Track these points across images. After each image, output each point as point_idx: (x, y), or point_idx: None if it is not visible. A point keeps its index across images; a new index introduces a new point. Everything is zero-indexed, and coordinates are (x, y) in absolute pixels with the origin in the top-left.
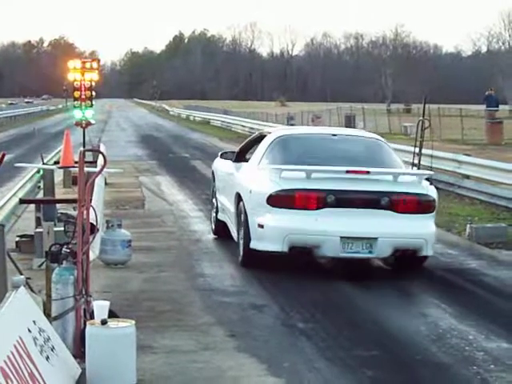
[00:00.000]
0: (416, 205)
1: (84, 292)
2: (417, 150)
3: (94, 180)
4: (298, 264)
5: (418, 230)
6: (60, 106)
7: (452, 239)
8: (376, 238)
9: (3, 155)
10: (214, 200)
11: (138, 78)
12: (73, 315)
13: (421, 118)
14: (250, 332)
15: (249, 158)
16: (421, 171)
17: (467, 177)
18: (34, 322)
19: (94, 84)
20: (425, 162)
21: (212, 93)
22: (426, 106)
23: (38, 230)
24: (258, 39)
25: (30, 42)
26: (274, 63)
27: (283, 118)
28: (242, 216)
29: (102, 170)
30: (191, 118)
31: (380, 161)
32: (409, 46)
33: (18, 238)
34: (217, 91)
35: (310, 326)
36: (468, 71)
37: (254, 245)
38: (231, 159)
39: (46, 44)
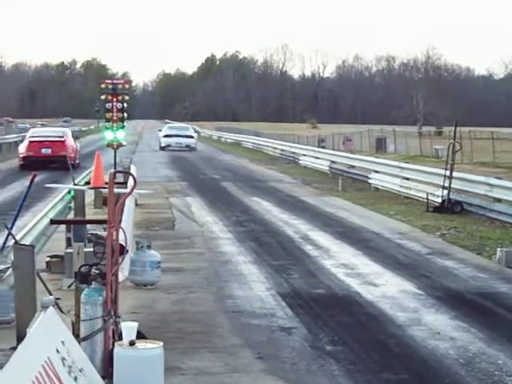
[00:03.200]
0: (189, 137)
1: (113, 313)
2: (448, 172)
3: (123, 201)
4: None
5: (191, 141)
6: (92, 127)
7: (482, 263)
8: (182, 143)
9: (34, 176)
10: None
11: (169, 99)
12: (101, 336)
13: (452, 140)
14: (278, 354)
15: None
16: (192, 134)
17: (499, 200)
18: (62, 342)
19: (125, 105)
20: (456, 184)
21: (243, 114)
22: (458, 128)
23: (68, 250)
24: (290, 61)
25: (63, 63)
26: (306, 85)
27: (314, 140)
28: (160, 140)
29: (131, 191)
30: (222, 139)
31: (188, 130)
32: (440, 69)
33: (48, 259)
34: (248, 113)
35: (339, 349)
36: (500, 94)
37: (161, 145)
38: (160, 131)
39: (78, 65)
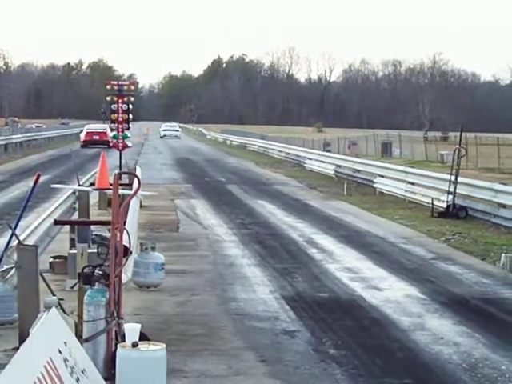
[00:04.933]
0: (176, 131)
1: (116, 314)
2: (453, 178)
3: (127, 202)
4: None
5: (177, 133)
6: None
7: (486, 268)
8: (172, 134)
9: (38, 176)
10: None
11: (175, 101)
12: (104, 337)
13: (457, 146)
14: (281, 358)
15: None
16: (178, 129)
17: (503, 206)
18: (65, 343)
19: (131, 107)
20: (461, 190)
21: (249, 117)
22: (463, 134)
23: (71, 251)
24: (296, 65)
25: (69, 64)
26: (312, 89)
27: (319, 143)
28: (160, 133)
29: (135, 192)
30: (228, 142)
31: (176, 127)
32: (447, 74)
33: (51, 259)
34: (254, 116)
35: (342, 353)
36: (506, 100)
37: (160, 135)
38: (160, 128)
39: (85, 66)
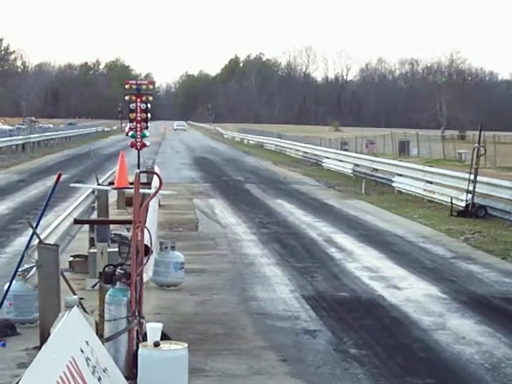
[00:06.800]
0: (184, 126)
1: (137, 313)
2: (472, 176)
3: (148, 202)
4: None
5: (185, 127)
6: (115, 128)
7: (507, 267)
8: (181, 128)
9: (59, 175)
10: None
11: (192, 100)
12: (125, 336)
13: (476, 144)
14: (303, 357)
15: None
16: (185, 125)
17: None
18: (86, 342)
19: (149, 106)
20: (480, 189)
21: (266, 116)
22: (481, 132)
23: (91, 250)
24: (313, 64)
25: (86, 63)
26: (329, 88)
27: (337, 142)
28: (173, 127)
29: (157, 191)
30: (245, 141)
31: (184, 123)
32: (464, 73)
33: (71, 258)
34: (271, 115)
35: (363, 353)
36: None
37: (173, 129)
38: (174, 124)
39: (102, 66)
